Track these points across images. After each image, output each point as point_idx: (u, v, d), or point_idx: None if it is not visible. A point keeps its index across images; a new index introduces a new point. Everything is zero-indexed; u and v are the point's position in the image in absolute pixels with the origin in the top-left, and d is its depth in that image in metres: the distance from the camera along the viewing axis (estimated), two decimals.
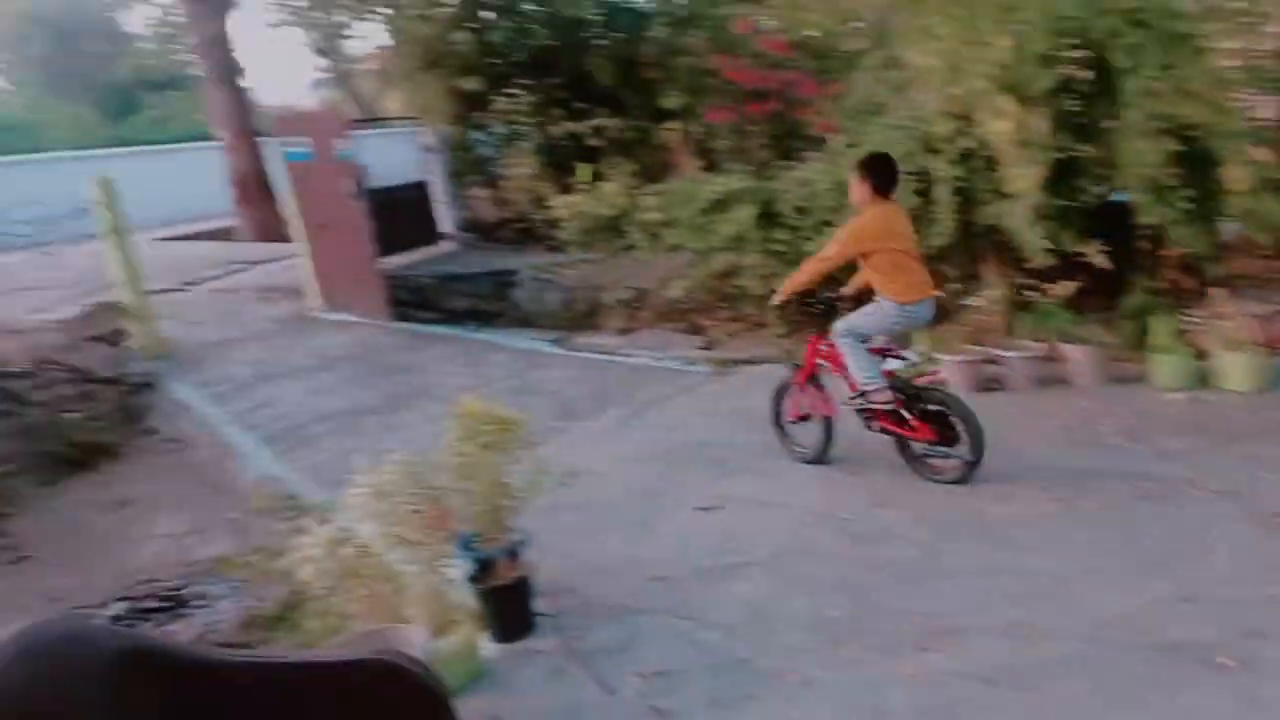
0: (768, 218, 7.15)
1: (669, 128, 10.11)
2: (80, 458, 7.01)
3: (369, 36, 25.26)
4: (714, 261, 7.49)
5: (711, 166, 9.30)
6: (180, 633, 4.50)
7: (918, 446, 4.83)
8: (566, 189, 9.36)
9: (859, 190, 4.70)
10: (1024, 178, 5.63)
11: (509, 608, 3.81)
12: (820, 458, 5.22)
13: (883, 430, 4.88)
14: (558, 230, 9.01)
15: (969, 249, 6.72)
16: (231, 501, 6.26)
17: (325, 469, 6.23)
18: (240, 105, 15.40)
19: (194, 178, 18.16)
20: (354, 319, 10.10)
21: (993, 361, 6.29)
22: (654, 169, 9.85)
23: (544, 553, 4.15)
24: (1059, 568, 3.86)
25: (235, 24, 15.53)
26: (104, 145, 22.51)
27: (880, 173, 4.66)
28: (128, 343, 8.53)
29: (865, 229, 4.66)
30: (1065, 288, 6.21)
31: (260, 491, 6.17)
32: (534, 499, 3.86)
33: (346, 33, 25.88)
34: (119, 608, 4.87)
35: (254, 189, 15.50)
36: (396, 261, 10.43)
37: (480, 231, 12.07)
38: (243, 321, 10.29)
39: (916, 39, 6.04)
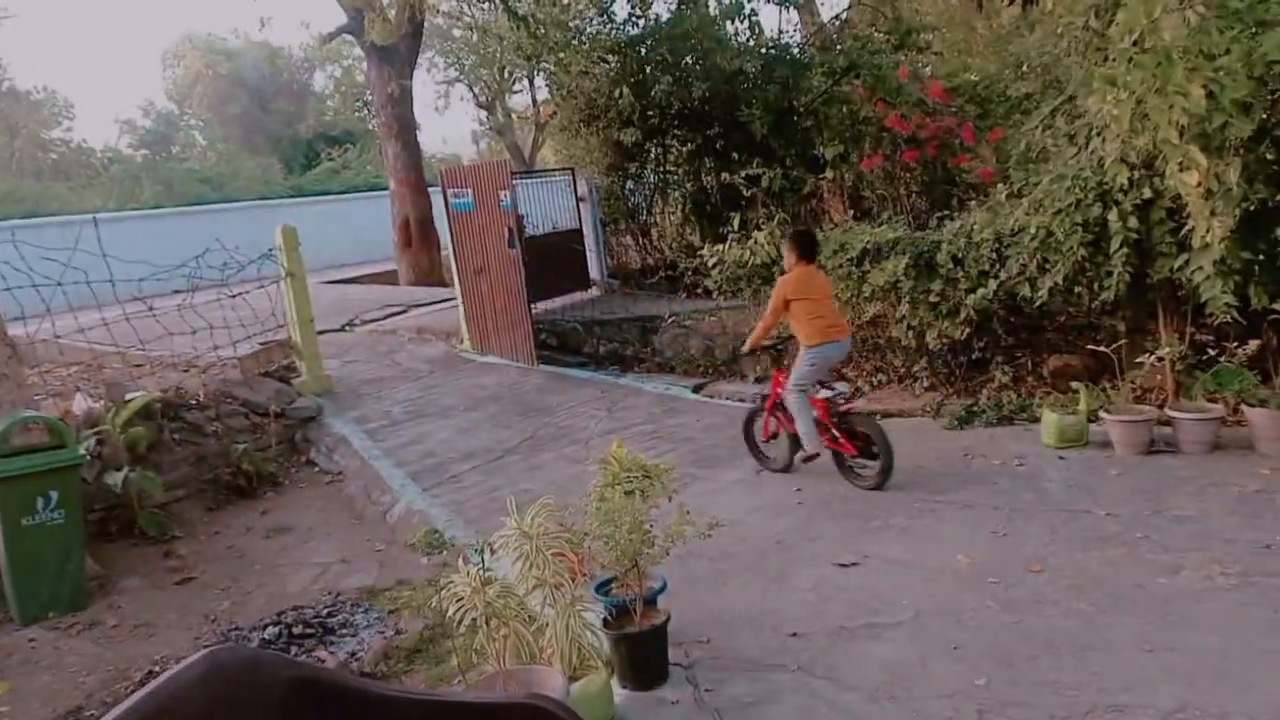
0: (922, 268, 6.95)
1: (822, 177, 10.02)
2: (245, 486, 7.48)
3: (530, 92, 26.37)
4: (862, 310, 7.32)
5: (863, 215, 9.14)
6: (326, 660, 4.67)
7: (847, 458, 5.86)
8: (716, 237, 9.41)
9: (789, 256, 6.04)
10: (1211, 229, 5.25)
11: (643, 655, 3.76)
12: (787, 467, 6.26)
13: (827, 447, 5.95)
14: (704, 278, 9.04)
15: (1141, 304, 6.31)
16: (379, 534, 6.52)
17: (469, 506, 6.42)
18: (410, 157, 16.37)
19: (361, 224, 19.41)
20: (502, 361, 10.43)
21: (1164, 423, 5.85)
22: (805, 218, 9.78)
23: (679, 602, 4.10)
24: (1232, 647, 3.51)
25: (411, 83, 16.52)
26: (285, 195, 24.43)
27: (806, 244, 6.04)
28: (295, 379, 9.09)
29: (790, 283, 5.93)
30: (1249, 347, 5.72)
31: (406, 526, 6.41)
32: (671, 548, 3.82)
33: (510, 88, 27.33)
34: (270, 631, 5.10)
35: (416, 235, 16.38)
36: (545, 306, 10.73)
37: (627, 278, 12.29)
38: (398, 361, 10.81)
39: (1098, 86, 5.76)
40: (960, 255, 6.77)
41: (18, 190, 22.19)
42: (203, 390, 7.99)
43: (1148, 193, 5.80)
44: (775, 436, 6.36)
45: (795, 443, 6.10)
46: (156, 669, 4.73)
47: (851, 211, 9.51)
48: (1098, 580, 4.20)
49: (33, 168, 28.89)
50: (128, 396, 7.03)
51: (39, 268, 7.34)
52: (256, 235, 9.83)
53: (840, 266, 7.37)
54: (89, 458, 6.17)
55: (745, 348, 6.43)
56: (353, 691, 2.20)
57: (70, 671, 4.91)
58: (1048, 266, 6.29)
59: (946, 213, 7.61)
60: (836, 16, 13.57)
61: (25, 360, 6.72)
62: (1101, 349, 6.23)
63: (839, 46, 11.76)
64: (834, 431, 5.84)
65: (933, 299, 6.89)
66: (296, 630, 5.02)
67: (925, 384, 7.38)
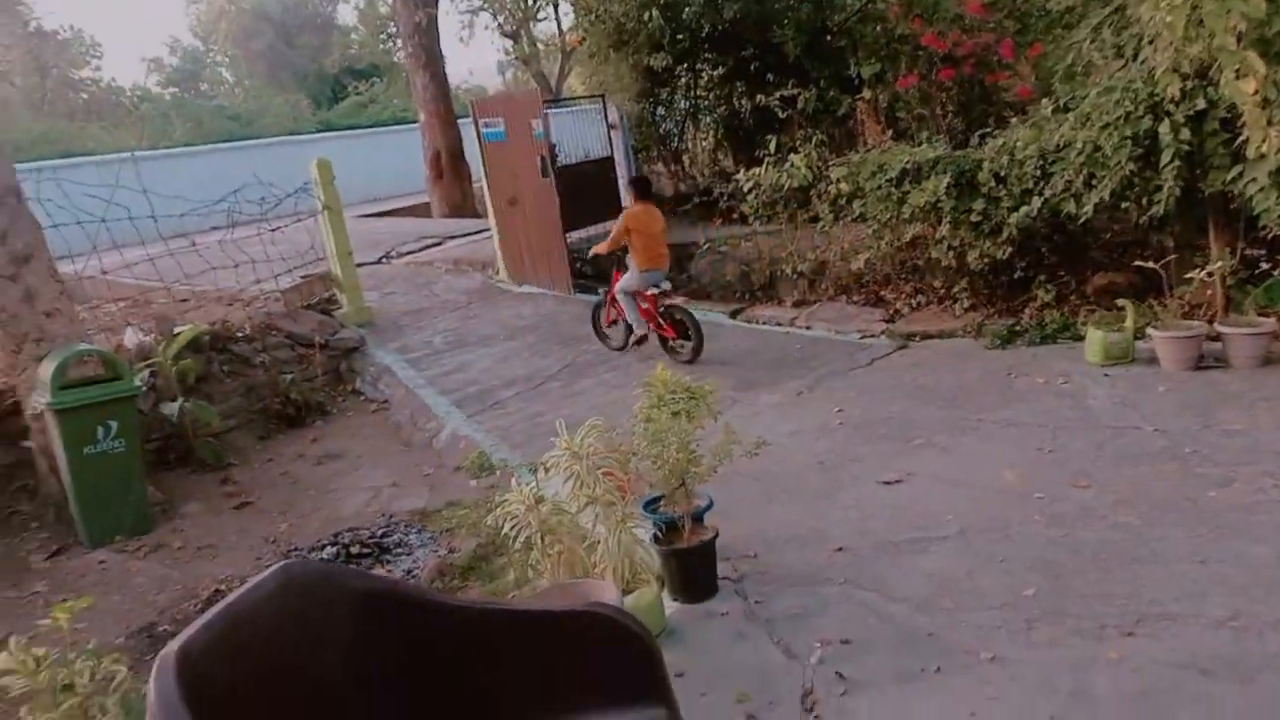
0: (964, 187, 6.83)
1: (859, 97, 9.79)
2: (294, 415, 7.65)
3: (555, 19, 25.88)
4: (902, 232, 7.23)
5: (900, 136, 8.96)
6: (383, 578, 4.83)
7: (669, 340, 7.47)
8: (750, 161, 9.28)
9: (630, 197, 7.83)
10: (1268, 139, 5.09)
11: (693, 569, 3.86)
12: (623, 346, 7.87)
13: (653, 331, 7.54)
14: (739, 203, 8.96)
15: (1190, 219, 6.18)
16: (426, 459, 6.66)
17: (512, 431, 6.53)
18: (438, 88, 16.19)
19: (392, 158, 19.35)
20: (538, 290, 10.47)
21: (1213, 338, 5.77)
22: (840, 139, 9.60)
23: (726, 520, 4.18)
24: None
25: (437, 12, 16.27)
26: (313, 130, 24.36)
27: (642, 187, 7.87)
28: (337, 311, 9.21)
29: (632, 217, 7.44)
30: None
31: (453, 451, 6.54)
32: (719, 467, 3.88)
33: (535, 16, 26.84)
34: (328, 552, 5.27)
35: (447, 168, 16.30)
36: (579, 235, 10.70)
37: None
38: (436, 292, 10.89)
39: None
40: (1003, 173, 6.64)
41: (52, 131, 22.33)
42: (248, 323, 8.12)
43: (1201, 103, 5.62)
44: (615, 323, 7.97)
45: (629, 328, 7.70)
46: (223, 587, 4.93)
47: (889, 132, 9.31)
48: (1146, 494, 4.20)
49: (64, 108, 28.97)
50: (176, 330, 7.18)
51: (82, 206, 7.45)
52: (289, 171, 9.85)
53: (879, 188, 7.26)
54: (144, 389, 6.33)
55: (591, 253, 8.29)
56: (422, 602, 2.29)
57: (140, 590, 5.13)
58: (1094, 182, 6.15)
59: (988, 130, 7.43)
60: None
61: (74, 297, 6.85)
62: (1149, 265, 6.12)
63: None
64: (659, 319, 7.48)
65: (974, 218, 6.78)
66: (354, 550, 5.19)
67: (966, 305, 7.32)
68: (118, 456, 5.78)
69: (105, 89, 32.04)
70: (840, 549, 4.12)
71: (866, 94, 9.71)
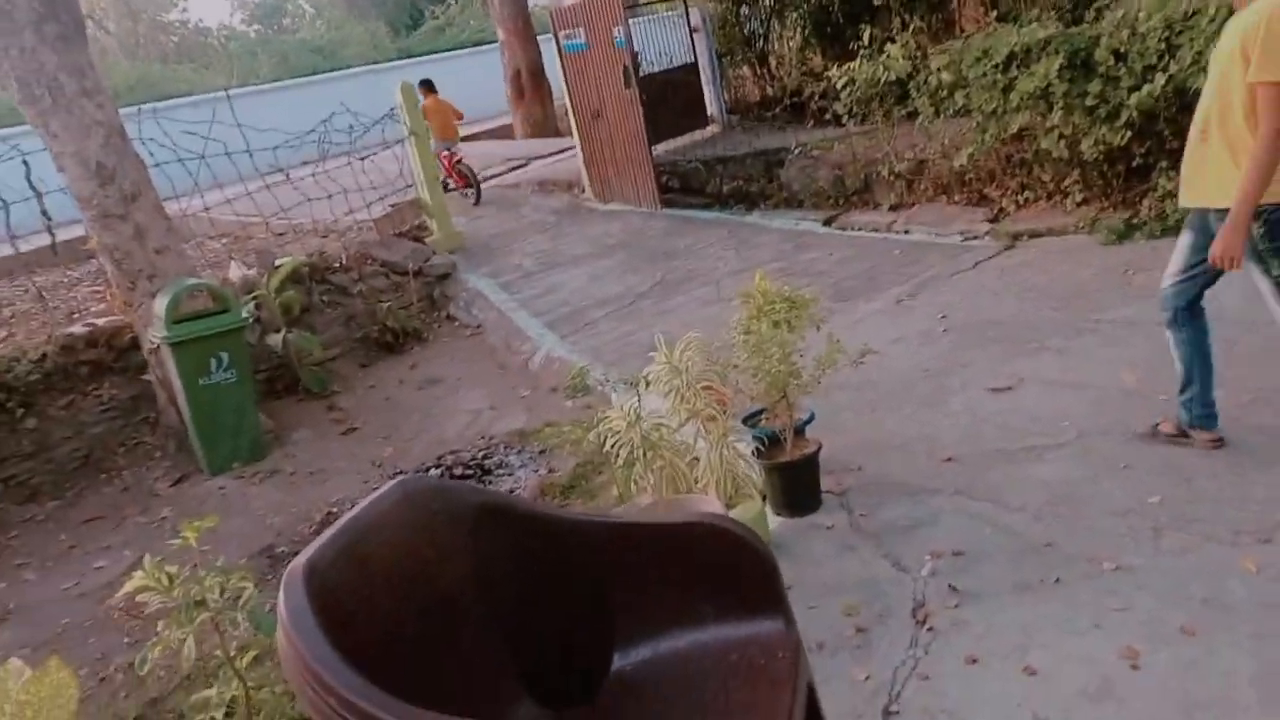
0: (1078, 68, 6.33)
1: None
2: (392, 342, 7.81)
3: None
4: (1008, 123, 6.78)
5: (1003, 18, 8.34)
6: None
7: (464, 192, 11.20)
8: (841, 57, 8.81)
9: (423, 93, 10.99)
10: None
11: (796, 483, 3.78)
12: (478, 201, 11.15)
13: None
14: (832, 102, 8.54)
15: None
16: (522, 381, 6.72)
17: (606, 351, 6.50)
18: (515, 4, 15.89)
19: (471, 80, 19.22)
20: (625, 207, 10.33)
21: None
22: (938, 27, 9.01)
23: (830, 432, 4.07)
24: None
25: None
26: (394, 58, 24.38)
27: (427, 84, 11.34)
28: (428, 237, 9.28)
29: (427, 109, 10.49)
30: None
31: (548, 373, 6.57)
32: (822, 378, 3.76)
33: None
34: (432, 474, 5.40)
35: (529, 86, 16.09)
36: (665, 147, 10.46)
37: (746, 111, 11.80)
38: (523, 214, 10.87)
39: None
40: (1123, 49, 6.11)
41: (149, 75, 22.92)
42: (344, 253, 8.26)
43: None
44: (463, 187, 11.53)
45: (478, 190, 11.42)
46: (334, 510, 5.11)
47: (993, 13, 8.68)
48: None
49: (157, 52, 29.67)
50: (277, 263, 7.34)
51: (182, 145, 7.62)
52: (373, 99, 9.86)
53: (984, 75, 6.78)
54: (251, 321, 6.52)
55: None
56: (537, 516, 2.29)
57: (258, 514, 5.37)
58: None
59: (1104, 2, 6.83)
60: None
61: (180, 233, 7.06)
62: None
63: None
64: (455, 173, 11.22)
65: (1089, 102, 6.29)
66: (456, 472, 5.30)
67: (1078, 199, 6.86)
68: (230, 387, 6.00)
69: (194, 30, 32.63)
70: (949, 459, 3.97)
71: None
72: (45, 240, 7.22)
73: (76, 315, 7.21)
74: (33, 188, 6.83)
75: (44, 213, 6.84)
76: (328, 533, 1.92)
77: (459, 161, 11.31)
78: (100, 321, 6.67)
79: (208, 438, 5.98)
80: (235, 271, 7.46)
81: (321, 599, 1.74)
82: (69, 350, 6.39)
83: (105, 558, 5.15)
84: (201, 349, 5.90)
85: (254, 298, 6.98)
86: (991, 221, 7.25)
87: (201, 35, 32.06)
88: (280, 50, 26.31)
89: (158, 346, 5.98)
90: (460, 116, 11.79)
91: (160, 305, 5.86)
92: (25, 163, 6.85)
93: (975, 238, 7.13)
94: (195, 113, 8.24)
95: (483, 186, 11.62)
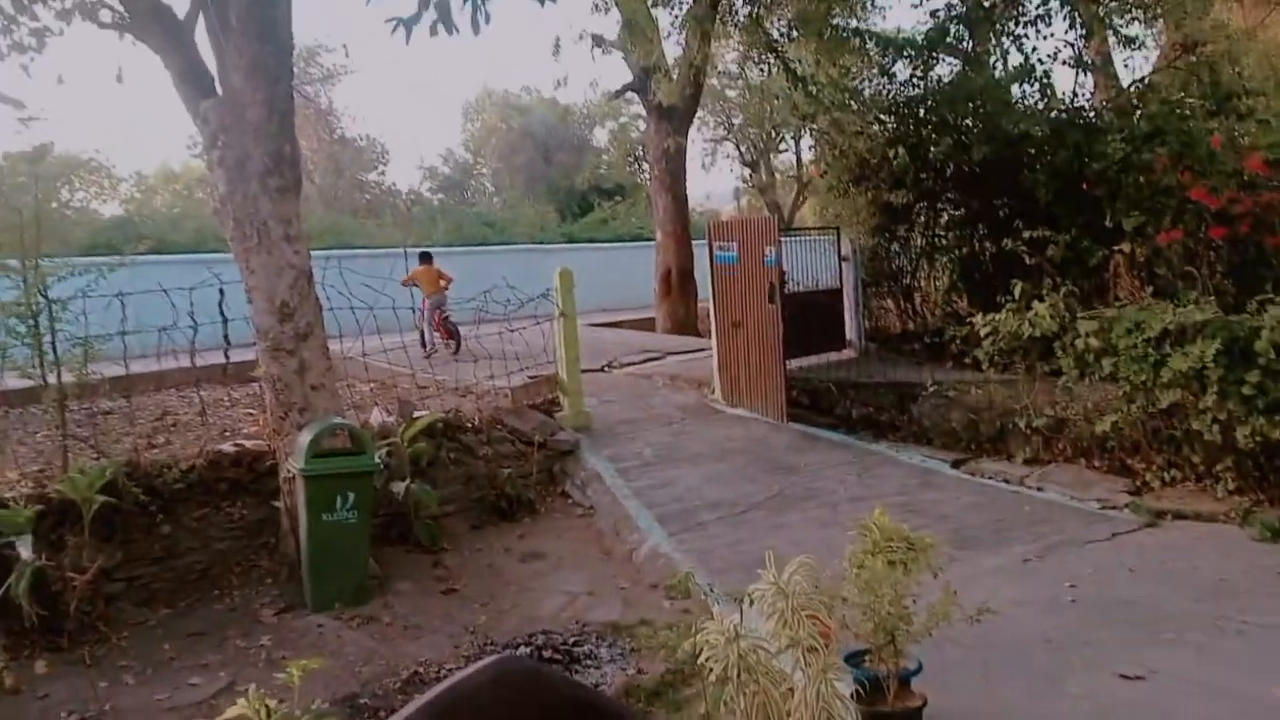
0: (1236, 355, 6.21)
1: (1117, 249, 9.26)
2: (506, 509, 7.96)
3: (795, 151, 26.70)
4: (1158, 397, 6.63)
5: (1159, 294, 8.34)
6: None
7: (450, 346, 12.70)
8: (987, 305, 8.93)
9: (418, 262, 13.73)
10: None
11: None
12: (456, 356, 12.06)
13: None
14: (971, 347, 8.59)
15: None
16: (624, 571, 6.69)
17: (713, 556, 6.43)
18: (678, 210, 17.00)
19: (624, 272, 20.33)
20: (751, 414, 10.44)
21: None
22: (1090, 292, 9.06)
23: (936, 688, 3.85)
24: None
25: (686, 141, 17.25)
26: (556, 240, 26.14)
27: (425, 257, 13.70)
28: (558, 413, 9.59)
29: (417, 273, 13.21)
30: None
31: (651, 568, 6.52)
32: (934, 629, 3.61)
33: (776, 147, 27.76)
34: (522, 651, 5.34)
35: (676, 285, 16.90)
36: (799, 363, 10.64)
37: (884, 341, 11.96)
38: (651, 405, 11.11)
39: None
40: None
41: (337, 224, 25.24)
42: (477, 415, 8.62)
43: None
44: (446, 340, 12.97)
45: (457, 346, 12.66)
46: (421, 669, 5.10)
47: (1149, 289, 8.69)
48: None
49: (350, 206, 32.80)
50: (415, 415, 7.72)
51: (355, 292, 8.30)
52: (531, 275, 10.54)
53: (1134, 347, 6.73)
54: (381, 466, 6.82)
55: (402, 281, 12.66)
56: None
57: (348, 659, 5.40)
58: None
59: (1269, 296, 6.74)
60: (1140, 79, 12.62)
61: (336, 373, 7.57)
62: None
63: (1140, 111, 10.90)
64: (442, 330, 12.89)
65: (1247, 391, 6.12)
66: (545, 654, 5.23)
67: (1230, 486, 6.55)
68: (350, 526, 6.22)
69: (386, 191, 36.07)
70: None
71: (1124, 246, 9.16)
72: (219, 359, 7.87)
73: (228, 434, 7.73)
74: (221, 313, 7.55)
75: (225, 337, 7.51)
76: (422, 699, 1.96)
77: (447, 318, 13.01)
78: (248, 444, 7.12)
79: (319, 572, 6.15)
80: (376, 417, 7.88)
81: None
82: (214, 465, 6.82)
83: (201, 675, 5.27)
84: (331, 485, 6.18)
85: (387, 444, 7.32)
86: (1133, 494, 6.97)
87: (392, 196, 35.35)
88: (457, 219, 28.60)
89: (293, 476, 6.30)
90: (450, 281, 13.38)
91: (304, 438, 6.23)
92: (221, 291, 7.61)
93: (1114, 508, 6.84)
94: (371, 264, 9.00)
95: (618, 373, 12.01)
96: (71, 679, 5.24)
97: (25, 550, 5.51)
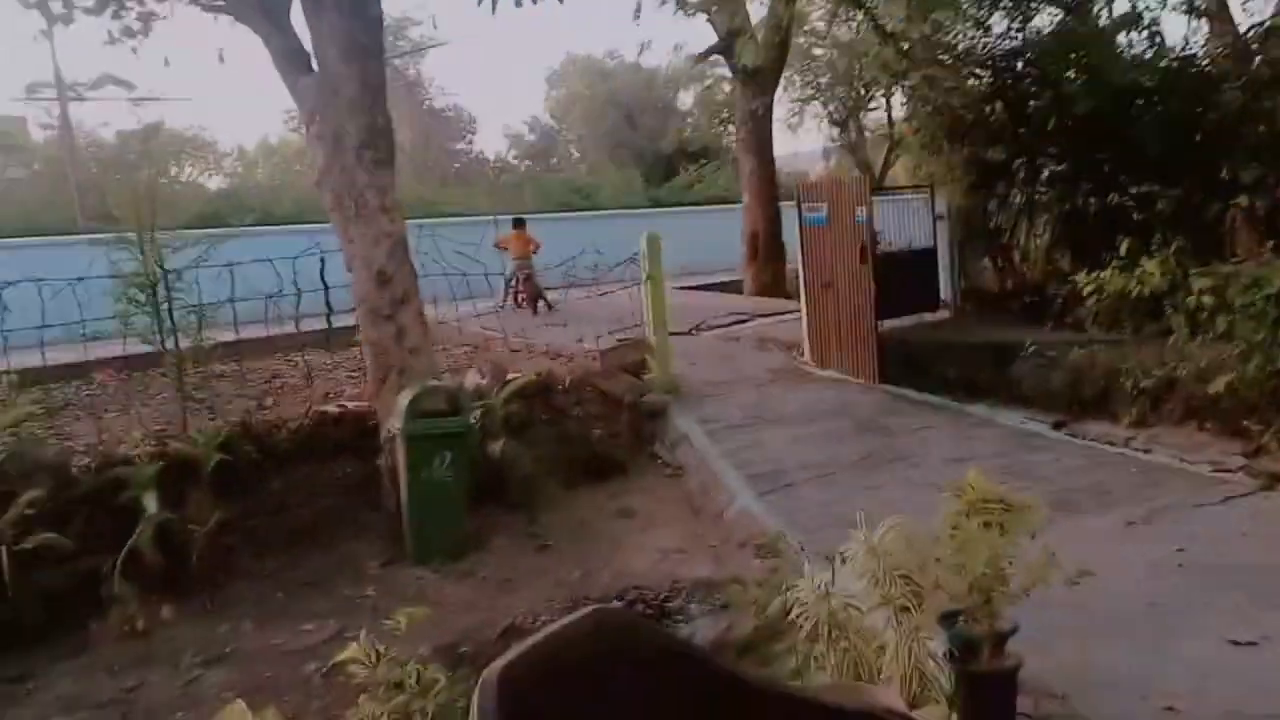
0: None
1: (1234, 203, 8.77)
2: (598, 469, 8.08)
3: (886, 109, 25.94)
4: (1276, 356, 6.29)
5: None
6: None
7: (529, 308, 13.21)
8: (1092, 263, 8.59)
9: (512, 228, 13.95)
10: None
11: (988, 698, 3.51)
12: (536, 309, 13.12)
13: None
14: (1074, 306, 8.29)
15: None
16: (714, 529, 6.73)
17: (801, 516, 6.42)
18: (764, 172, 16.78)
19: (711, 235, 20.21)
20: (842, 376, 10.32)
21: None
22: (1204, 247, 8.62)
23: (1033, 650, 3.78)
24: None
25: (772, 100, 16.99)
26: (643, 205, 26.12)
27: (519, 223, 13.88)
28: (646, 375, 9.67)
29: (506, 240, 13.63)
30: None
31: (740, 526, 6.56)
32: (1031, 591, 3.54)
33: (865, 105, 27.06)
34: (614, 606, 5.45)
35: (764, 248, 16.73)
36: (891, 324, 10.45)
37: (980, 301, 11.62)
38: (739, 367, 11.08)
39: None
40: None
41: (427, 193, 25.78)
42: (569, 377, 8.76)
43: None
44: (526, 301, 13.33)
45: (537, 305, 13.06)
46: (517, 621, 5.26)
47: (1271, 243, 8.21)
48: None
49: (439, 175, 33.42)
50: (509, 377, 7.90)
51: (448, 260, 8.51)
52: (619, 240, 10.58)
53: (1252, 304, 6.41)
54: (476, 427, 7.01)
55: (495, 244, 13.43)
56: (720, 672, 2.30)
57: (448, 610, 5.61)
58: None
59: None
60: (1259, 23, 11.82)
61: (432, 338, 7.79)
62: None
63: (1260, 57, 10.23)
64: (525, 291, 13.32)
65: None
66: (638, 609, 5.33)
67: None
68: (447, 485, 6.43)
69: (474, 159, 36.63)
70: (1170, 708, 3.59)
71: (1242, 199, 8.67)
72: (321, 325, 8.19)
73: (332, 396, 8.05)
74: (323, 281, 7.84)
75: (327, 303, 7.79)
76: (523, 645, 2.03)
77: (531, 279, 13.36)
78: (350, 405, 7.41)
79: (419, 528, 6.40)
80: (471, 379, 8.08)
81: (509, 707, 1.83)
82: (320, 425, 7.13)
83: (312, 622, 5.56)
84: (430, 445, 6.39)
85: (482, 405, 7.51)
86: (1248, 457, 6.66)
87: (480, 164, 35.87)
88: (544, 186, 28.87)
89: (394, 436, 6.54)
90: (539, 247, 13.64)
91: (403, 400, 6.45)
92: (322, 259, 7.90)
93: (1227, 470, 6.55)
94: (461, 232, 9.19)
95: (706, 335, 12.01)
96: (195, 623, 5.61)
97: (151, 504, 5.91)
